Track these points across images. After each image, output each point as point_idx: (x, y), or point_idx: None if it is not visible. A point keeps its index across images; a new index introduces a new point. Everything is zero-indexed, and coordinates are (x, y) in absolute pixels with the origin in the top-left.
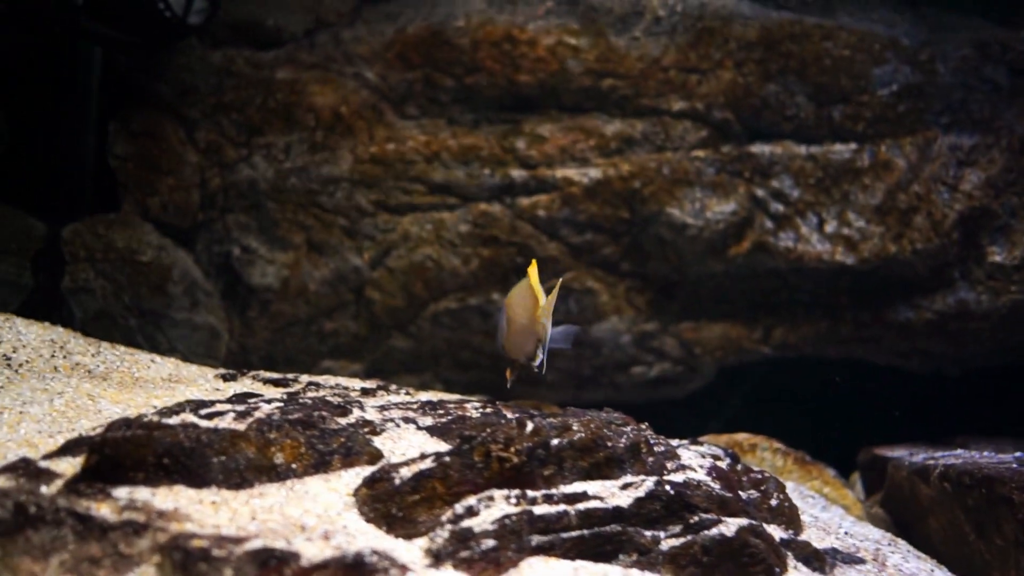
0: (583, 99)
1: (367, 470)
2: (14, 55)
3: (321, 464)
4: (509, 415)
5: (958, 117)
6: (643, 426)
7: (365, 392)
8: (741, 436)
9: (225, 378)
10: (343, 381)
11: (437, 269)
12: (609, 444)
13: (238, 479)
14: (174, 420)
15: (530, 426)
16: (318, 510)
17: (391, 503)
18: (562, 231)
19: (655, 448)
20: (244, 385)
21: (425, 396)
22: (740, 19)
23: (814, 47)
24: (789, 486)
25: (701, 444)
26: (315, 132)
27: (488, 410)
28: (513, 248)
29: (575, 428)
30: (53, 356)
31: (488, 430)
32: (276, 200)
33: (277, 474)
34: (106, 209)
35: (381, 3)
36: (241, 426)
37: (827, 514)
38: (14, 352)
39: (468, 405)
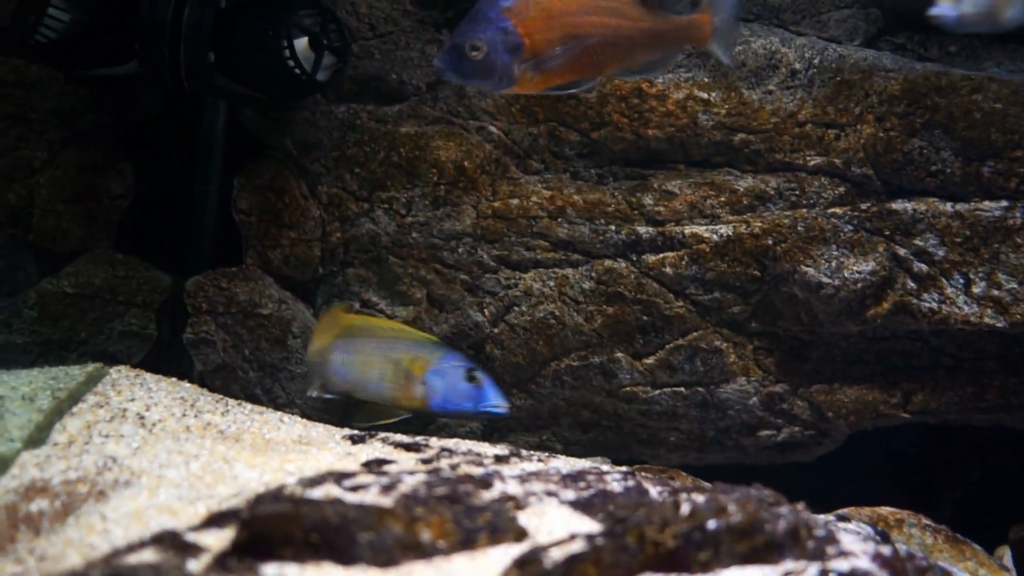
0: (713, 154)
1: (513, 548)
2: (142, 111)
3: (467, 542)
4: (653, 491)
5: None
6: (799, 506)
7: (499, 459)
8: (885, 510)
9: (354, 440)
10: (474, 446)
11: (559, 326)
12: (768, 527)
13: (385, 557)
14: (319, 493)
15: (686, 508)
16: None
17: None
18: (689, 289)
19: (815, 532)
20: (375, 448)
21: (558, 463)
22: (881, 71)
23: (962, 100)
24: (947, 568)
25: (849, 521)
26: (438, 187)
27: (630, 483)
28: (638, 306)
29: (731, 509)
30: (184, 415)
31: (642, 511)
32: (397, 255)
33: (423, 552)
34: (228, 262)
35: None
36: (387, 501)
37: None
38: (147, 411)
39: (608, 477)
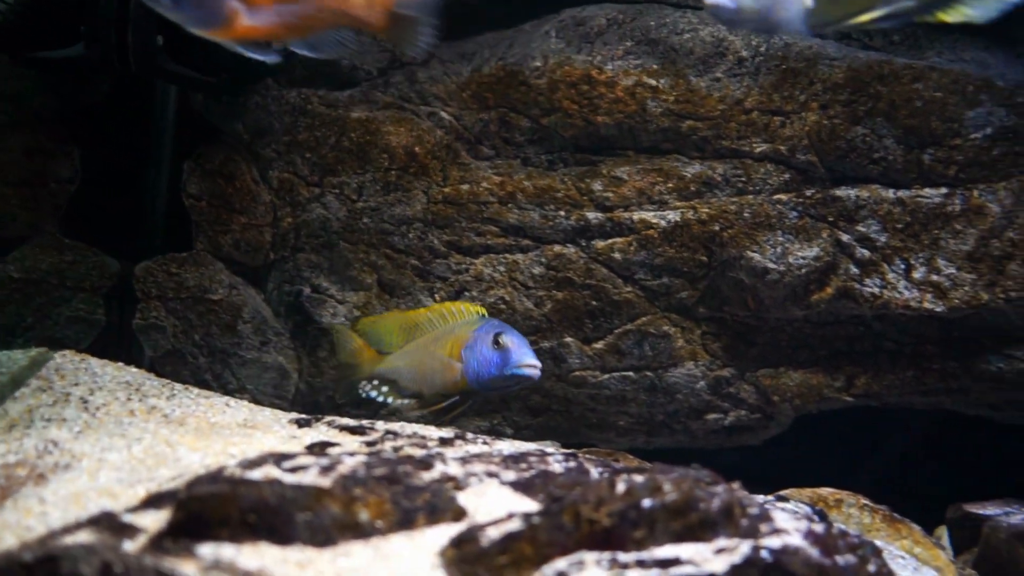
0: (662, 140)
1: (452, 528)
2: (90, 95)
3: (405, 522)
4: (594, 471)
5: None
6: (735, 485)
7: (443, 442)
8: (826, 491)
9: (300, 424)
10: (419, 429)
11: (510, 311)
12: (702, 506)
13: (323, 537)
14: (257, 474)
15: (621, 487)
16: (404, 571)
17: (479, 564)
18: (637, 274)
19: (748, 510)
20: (320, 432)
21: (503, 445)
22: (826, 60)
23: (904, 88)
24: (878, 546)
25: (788, 501)
26: (389, 172)
27: (571, 464)
28: (588, 291)
29: (667, 488)
30: (129, 399)
31: (578, 490)
32: (348, 240)
33: (361, 532)
34: (178, 248)
35: (456, 42)
36: (326, 481)
37: None
38: (91, 395)
39: (550, 458)
